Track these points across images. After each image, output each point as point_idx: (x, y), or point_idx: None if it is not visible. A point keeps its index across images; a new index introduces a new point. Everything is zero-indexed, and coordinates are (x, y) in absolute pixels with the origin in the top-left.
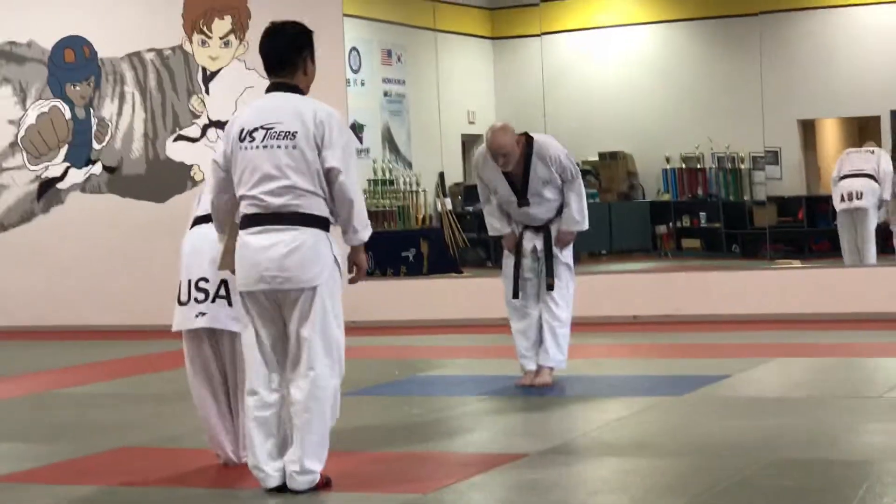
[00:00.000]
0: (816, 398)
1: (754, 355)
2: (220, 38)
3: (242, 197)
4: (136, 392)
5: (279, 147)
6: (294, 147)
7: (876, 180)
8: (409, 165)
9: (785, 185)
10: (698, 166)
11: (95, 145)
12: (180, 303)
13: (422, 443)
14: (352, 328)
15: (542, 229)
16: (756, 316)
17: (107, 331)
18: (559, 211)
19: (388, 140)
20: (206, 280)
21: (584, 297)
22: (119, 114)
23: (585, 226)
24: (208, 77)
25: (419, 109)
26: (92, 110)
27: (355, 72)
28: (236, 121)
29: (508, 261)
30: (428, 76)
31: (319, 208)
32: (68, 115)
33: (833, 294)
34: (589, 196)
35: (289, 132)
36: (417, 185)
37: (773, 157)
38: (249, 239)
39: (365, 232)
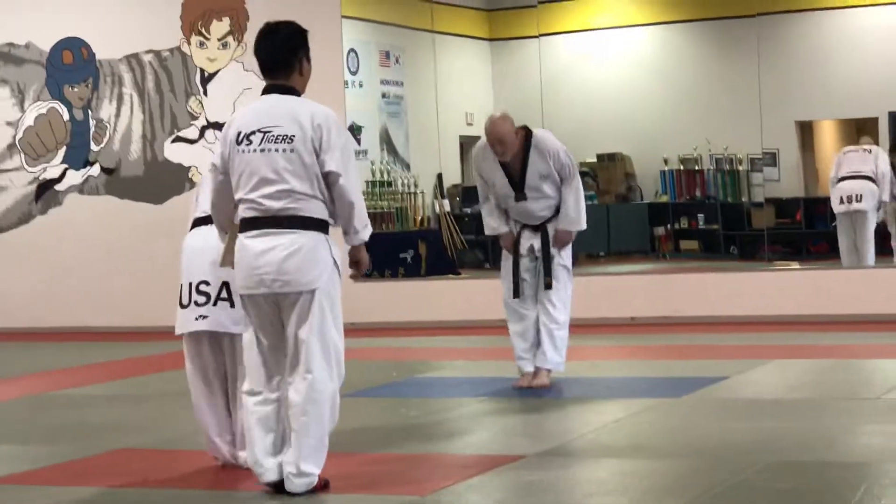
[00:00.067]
0: (814, 400)
1: (752, 357)
2: (219, 40)
3: (241, 200)
4: (134, 393)
5: (277, 151)
6: (292, 151)
7: (874, 182)
8: (407, 167)
9: (783, 186)
10: (696, 168)
11: (93, 147)
12: (181, 306)
13: (419, 444)
14: (350, 329)
15: (540, 229)
16: (754, 317)
17: (105, 332)
18: (557, 210)
19: (386, 141)
20: (207, 283)
21: (581, 298)
22: (117, 115)
23: (583, 225)
24: (206, 78)
25: (417, 111)
26: (90, 112)
27: (353, 73)
28: (233, 123)
29: (507, 261)
30: (426, 78)
31: (318, 211)
32: (66, 116)
33: (831, 296)
34: (587, 197)
35: (286, 136)
36: (415, 186)
37: (771, 158)
38: (248, 242)
39: (365, 232)
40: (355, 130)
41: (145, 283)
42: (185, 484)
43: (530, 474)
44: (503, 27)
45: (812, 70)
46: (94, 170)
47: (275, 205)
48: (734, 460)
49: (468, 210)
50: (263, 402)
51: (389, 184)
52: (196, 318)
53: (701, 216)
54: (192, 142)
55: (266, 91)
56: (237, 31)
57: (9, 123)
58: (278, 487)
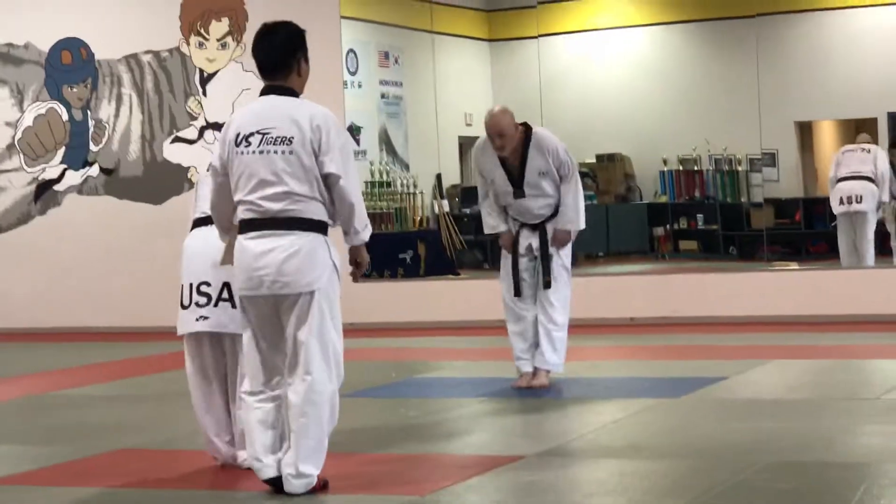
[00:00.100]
0: (814, 400)
1: (751, 357)
2: (218, 40)
3: (240, 202)
4: (134, 394)
5: (276, 153)
6: (291, 153)
7: (874, 182)
8: (407, 167)
9: (782, 186)
10: (695, 168)
11: (92, 147)
12: (182, 307)
13: (419, 445)
14: (349, 330)
15: (538, 228)
16: (753, 318)
17: (104, 332)
18: (556, 210)
19: (386, 142)
20: (208, 284)
21: (580, 298)
22: (116, 116)
23: (581, 225)
24: (205, 79)
25: (416, 111)
26: (89, 112)
27: (352, 74)
28: (232, 125)
29: (506, 260)
30: (425, 78)
31: (317, 212)
32: (65, 116)
33: (830, 296)
34: (586, 198)
35: (285, 137)
36: (414, 186)
37: (771, 159)
38: (248, 244)
39: (366, 232)
40: (354, 131)
41: (145, 284)
42: (185, 484)
43: (529, 475)
44: (502, 28)
45: (811, 70)
46: (93, 170)
47: (274, 206)
48: (733, 460)
49: (467, 210)
50: (263, 401)
51: (388, 184)
52: (197, 319)
53: (700, 216)
54: (191, 142)
55: (264, 92)
56: (236, 31)
57: (8, 124)
58: (276, 484)
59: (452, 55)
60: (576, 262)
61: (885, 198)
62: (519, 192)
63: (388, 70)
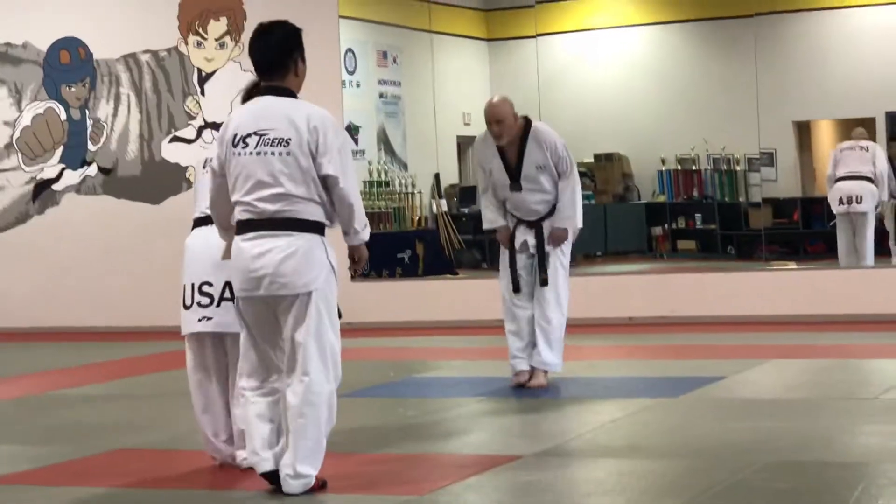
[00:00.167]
0: (812, 400)
1: (750, 357)
2: (216, 40)
3: (237, 203)
4: (132, 393)
5: (273, 154)
6: (288, 154)
7: (874, 182)
8: (405, 167)
9: (780, 186)
10: (693, 168)
11: (91, 147)
12: (185, 307)
13: (417, 444)
14: (347, 329)
15: (535, 225)
16: (751, 317)
17: (103, 332)
18: (554, 208)
19: (384, 141)
20: (210, 284)
21: (579, 298)
22: (114, 115)
23: (579, 224)
24: (204, 78)
25: (415, 111)
26: (87, 112)
27: (351, 73)
28: (229, 125)
29: (504, 256)
30: (423, 78)
31: (314, 213)
32: (63, 116)
33: (828, 296)
34: (584, 197)
35: (282, 139)
36: (413, 186)
37: (769, 158)
38: (244, 245)
39: (365, 232)
40: (352, 130)
41: (143, 283)
42: (184, 484)
43: (528, 474)
44: (501, 27)
45: (809, 70)
46: (92, 170)
47: (270, 207)
48: (732, 460)
49: (465, 210)
50: (261, 395)
51: (387, 184)
52: (199, 320)
53: (698, 216)
54: (189, 141)
55: (262, 92)
56: (234, 31)
57: (6, 123)
58: (273, 477)
59: (451, 55)
60: (574, 261)
61: (885, 197)
62: (516, 184)
63: (386, 69)
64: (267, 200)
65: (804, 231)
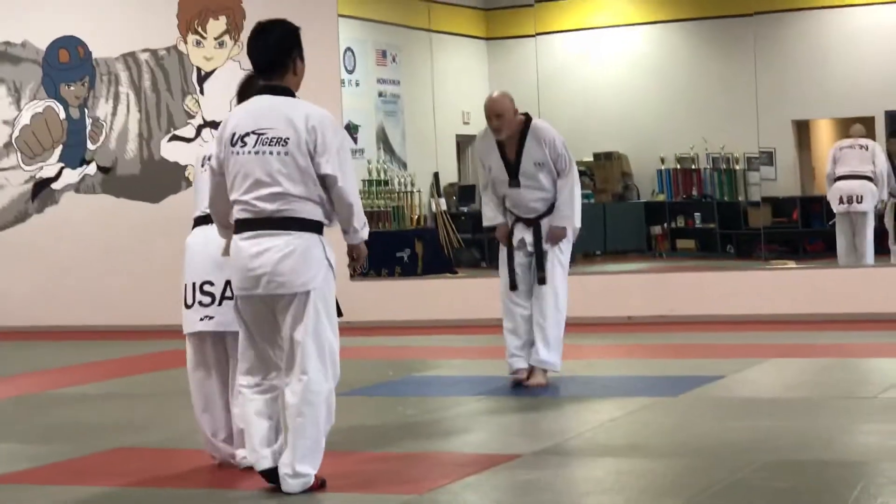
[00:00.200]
0: (811, 399)
1: (749, 356)
2: (215, 39)
3: (236, 201)
4: (131, 392)
5: (271, 153)
6: (286, 154)
7: (873, 181)
8: (404, 166)
9: (779, 185)
10: (693, 167)
11: (90, 145)
12: (186, 306)
13: (416, 443)
14: (346, 328)
15: (533, 224)
16: (751, 317)
17: (102, 331)
18: (552, 207)
19: (383, 140)
20: (211, 283)
21: (578, 297)
22: (113, 114)
23: (576, 223)
24: (203, 77)
25: (414, 110)
26: (86, 110)
27: (350, 72)
28: (227, 124)
29: (503, 253)
30: (423, 77)
31: (312, 212)
32: (63, 115)
33: (827, 295)
34: (584, 196)
35: (280, 139)
36: (412, 185)
37: (768, 157)
38: (243, 244)
39: (364, 231)
40: (352, 129)
41: (142, 282)
42: (183, 483)
43: (527, 473)
44: (500, 26)
45: (809, 69)
46: (91, 168)
47: (268, 207)
48: (731, 459)
49: (465, 209)
50: (260, 392)
51: (386, 182)
52: (201, 319)
53: (697, 215)
54: (188, 140)
55: (260, 91)
56: (234, 29)
57: (5, 122)
58: (272, 475)
59: (450, 54)
60: (573, 260)
61: (885, 196)
62: (514, 181)
63: (385, 68)
64: (265, 199)
65: (803, 230)
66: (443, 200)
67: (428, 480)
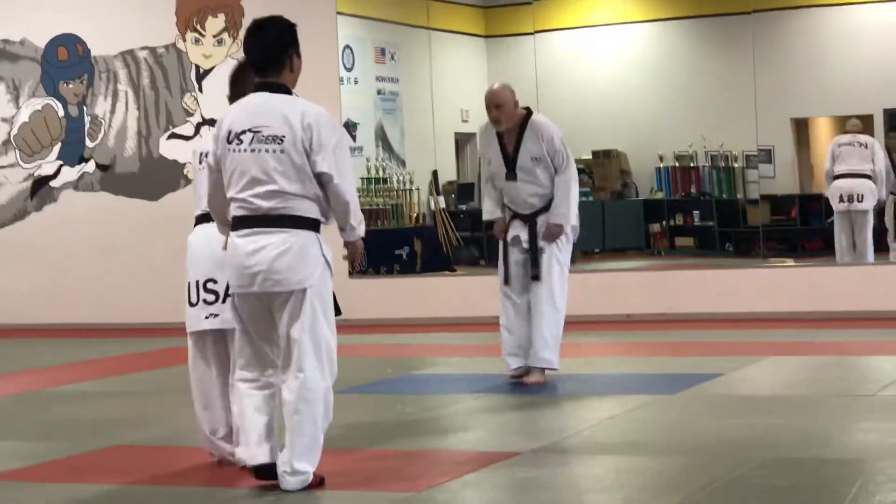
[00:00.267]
0: (810, 397)
1: (747, 354)
2: (214, 36)
3: (232, 199)
4: (130, 390)
5: (267, 151)
6: (282, 151)
7: (873, 179)
8: (403, 164)
9: (778, 183)
10: (692, 165)
11: (89, 143)
12: (190, 304)
13: (414, 441)
14: (345, 326)
15: (530, 220)
16: (749, 314)
17: (100, 329)
18: (549, 204)
19: (382, 138)
20: (215, 281)
21: (577, 295)
22: (112, 112)
23: (572, 220)
24: (202, 75)
25: (413, 108)
26: (85, 108)
27: (349, 70)
28: (224, 122)
29: (500, 249)
30: (421, 74)
31: (309, 210)
32: (61, 112)
33: (826, 292)
34: (582, 194)
35: (276, 136)
36: (411, 183)
37: (767, 155)
38: (239, 241)
39: (361, 228)
40: (350, 127)
41: (141, 280)
42: (182, 481)
43: (526, 471)
44: (499, 24)
45: (808, 67)
46: (90, 166)
47: (265, 204)
48: (730, 457)
49: (463, 207)
50: (257, 388)
51: (385, 180)
52: (207, 317)
53: (696, 213)
54: (187, 138)
55: (257, 88)
56: (232, 27)
57: (4, 120)
58: (264, 471)
59: (449, 51)
60: (573, 258)
61: (884, 195)
62: (511, 174)
63: (384, 66)
64: (261, 197)
65: (802, 228)
66: (441, 198)
67: (426, 478)
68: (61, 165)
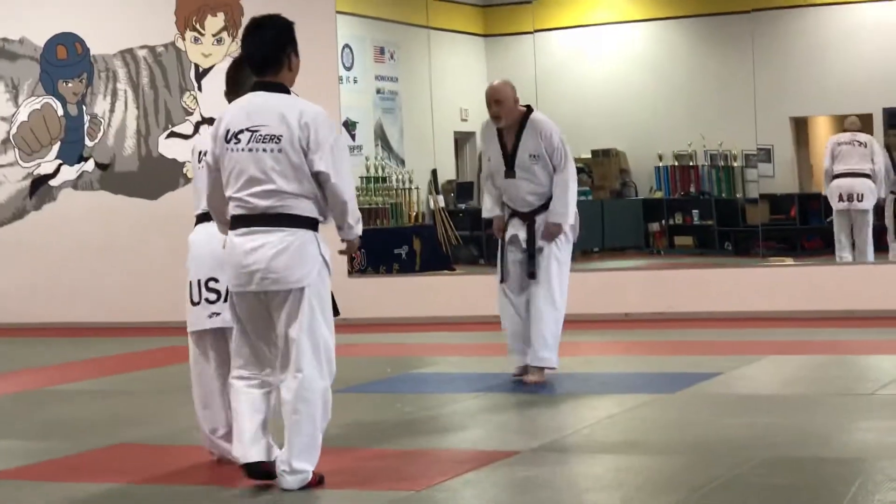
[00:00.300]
0: (809, 396)
1: (747, 353)
2: (213, 35)
3: (230, 198)
4: (128, 389)
5: (264, 150)
6: (279, 151)
7: (872, 178)
8: (402, 163)
9: (777, 182)
10: (691, 164)
11: (88, 142)
12: (192, 303)
13: (414, 440)
14: (344, 325)
15: (528, 219)
16: (748, 313)
17: (99, 328)
18: (548, 203)
19: (381, 137)
20: (216, 280)
21: (576, 294)
22: (111, 111)
23: (570, 219)
24: (201, 74)
25: (412, 107)
26: (84, 107)
27: (348, 69)
28: (222, 121)
29: (499, 247)
30: (421, 73)
31: (307, 209)
32: (60, 111)
33: (825, 291)
34: (582, 193)
35: (273, 136)
36: (410, 182)
37: (766, 154)
38: (237, 240)
39: (358, 227)
40: (350, 126)
41: (140, 279)
42: (181, 479)
43: (525, 470)
44: (498, 23)
45: (807, 66)
46: (89, 165)
47: (262, 203)
48: (729, 456)
49: (462, 206)
50: (254, 387)
51: (384, 179)
52: (209, 316)
53: (695, 212)
54: (186, 137)
55: (255, 88)
56: (231, 26)
57: (3, 119)
58: (255, 469)
59: (448, 51)
60: (572, 258)
61: (883, 194)
62: (510, 171)
63: (383, 65)
64: (259, 196)
65: (801, 227)
66: (441, 197)
67: (426, 477)
68: (60, 164)
